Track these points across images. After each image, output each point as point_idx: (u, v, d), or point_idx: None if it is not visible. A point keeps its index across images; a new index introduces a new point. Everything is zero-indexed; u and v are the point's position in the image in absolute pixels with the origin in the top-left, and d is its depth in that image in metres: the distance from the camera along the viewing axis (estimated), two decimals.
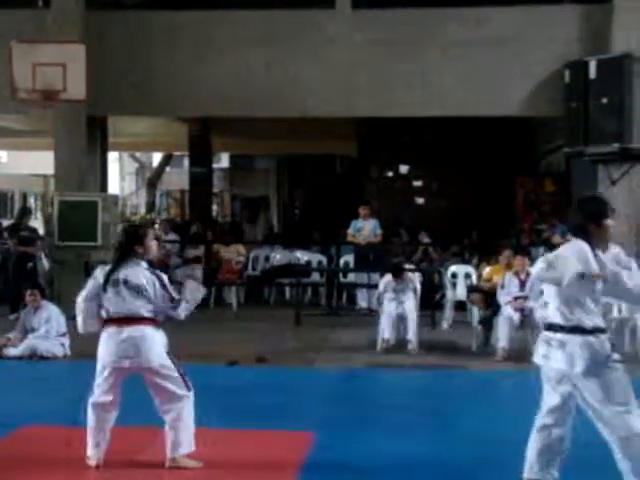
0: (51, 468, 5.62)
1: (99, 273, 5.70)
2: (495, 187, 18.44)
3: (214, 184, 24.39)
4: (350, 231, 14.12)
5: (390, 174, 20.14)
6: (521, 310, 9.56)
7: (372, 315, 12.53)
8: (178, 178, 31.68)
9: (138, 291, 5.54)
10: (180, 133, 20.12)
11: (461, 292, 12.39)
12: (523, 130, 17.74)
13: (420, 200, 19.97)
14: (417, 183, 20.08)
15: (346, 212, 15.25)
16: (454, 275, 12.75)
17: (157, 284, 5.60)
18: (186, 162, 25.46)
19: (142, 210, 34.38)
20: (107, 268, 5.69)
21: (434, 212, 18.89)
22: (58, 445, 6.13)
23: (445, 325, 12.19)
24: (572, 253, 4.72)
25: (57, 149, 13.77)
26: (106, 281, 5.57)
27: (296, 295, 13.38)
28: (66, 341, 9.72)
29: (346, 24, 13.60)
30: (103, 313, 5.65)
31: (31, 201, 34.95)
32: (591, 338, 4.64)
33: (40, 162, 27.53)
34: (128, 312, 5.57)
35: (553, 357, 4.72)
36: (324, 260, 15.06)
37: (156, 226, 18.24)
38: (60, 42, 12.68)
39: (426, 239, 15.76)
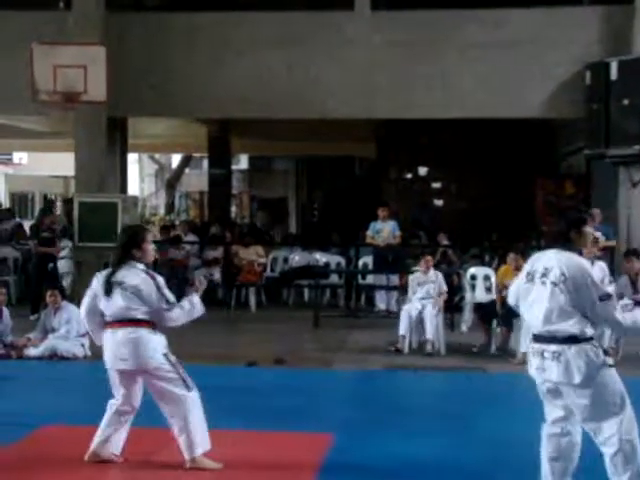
0: (71, 468, 5.65)
1: (96, 281, 5.72)
2: (515, 189, 18.38)
3: (233, 185, 24.45)
4: (369, 233, 14.11)
5: (409, 176, 20.12)
6: None
7: (391, 317, 12.52)
8: (197, 179, 31.78)
9: (134, 293, 5.53)
10: (199, 134, 20.19)
11: (480, 294, 12.36)
12: (543, 132, 17.68)
13: (439, 202, 19.94)
14: (436, 185, 20.06)
15: (365, 214, 15.25)
16: (473, 277, 12.71)
17: (153, 286, 5.58)
18: (205, 164, 25.53)
19: (161, 211, 34.50)
20: (105, 273, 5.70)
21: (453, 214, 18.86)
22: (78, 445, 6.15)
23: (464, 327, 12.15)
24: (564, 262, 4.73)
25: (77, 150, 13.86)
26: (105, 285, 5.59)
27: (315, 297, 13.39)
28: (86, 342, 9.75)
29: (365, 25, 13.61)
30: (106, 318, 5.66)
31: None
32: (586, 346, 4.63)
33: (60, 164, 27.71)
34: (124, 314, 5.56)
35: (548, 369, 4.69)
36: (343, 262, 15.06)
37: (167, 228, 18.31)
38: (81, 44, 12.75)
39: (445, 241, 15.73)
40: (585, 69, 12.77)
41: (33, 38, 12.65)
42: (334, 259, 15.18)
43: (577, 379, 4.57)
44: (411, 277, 11.01)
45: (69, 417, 7.01)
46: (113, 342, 5.59)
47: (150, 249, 5.76)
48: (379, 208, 14.36)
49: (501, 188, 18.51)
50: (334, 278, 14.71)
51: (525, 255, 10.39)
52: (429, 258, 11.07)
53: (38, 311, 11.39)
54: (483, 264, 13.98)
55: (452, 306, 12.29)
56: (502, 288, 10.24)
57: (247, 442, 6.29)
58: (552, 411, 4.79)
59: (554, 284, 4.65)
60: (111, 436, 5.68)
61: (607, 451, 4.63)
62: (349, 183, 25.62)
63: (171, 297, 5.63)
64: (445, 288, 10.85)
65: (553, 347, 4.64)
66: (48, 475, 5.52)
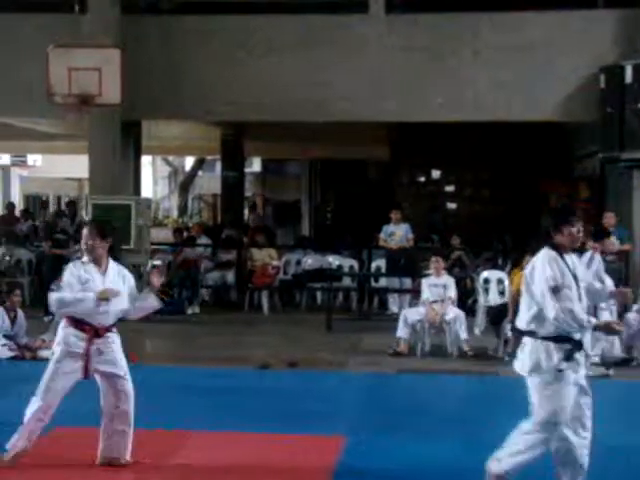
0: (84, 469, 5.68)
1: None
2: (528, 192, 18.34)
3: (246, 188, 24.47)
4: (382, 236, 14.11)
5: (422, 179, 20.11)
6: None
7: None
8: (210, 182, 31.82)
9: None
10: (213, 137, 20.21)
11: (493, 298, 12.33)
12: (557, 135, 17.63)
13: (452, 205, 19.91)
14: (449, 188, 20.04)
15: (378, 217, 15.25)
16: (486, 281, 12.68)
17: None
18: (218, 166, 25.57)
19: (174, 214, 34.59)
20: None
21: (466, 217, 18.83)
22: (92, 447, 6.19)
23: (477, 331, 12.13)
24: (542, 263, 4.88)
25: (92, 153, 13.89)
26: None
27: (327, 299, 13.39)
28: None
29: (379, 28, 13.60)
30: None
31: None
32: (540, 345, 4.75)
33: (74, 166, 27.79)
34: None
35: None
36: (356, 265, 15.05)
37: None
38: (96, 47, 12.77)
39: (458, 244, 15.71)
40: (599, 72, 12.73)
41: (49, 41, 12.68)
42: (347, 262, 15.18)
43: (525, 371, 4.75)
44: (424, 280, 11.00)
45: (82, 419, 7.02)
46: None
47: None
48: (392, 211, 14.36)
49: (515, 191, 18.48)
50: (347, 281, 14.72)
51: None
52: (438, 259, 11.05)
53: (52, 313, 11.42)
54: (496, 267, 13.94)
55: (465, 309, 12.27)
56: (516, 292, 10.23)
57: (260, 444, 6.29)
58: None
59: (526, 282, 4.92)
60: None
61: None
62: (362, 186, 25.62)
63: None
64: (454, 294, 10.83)
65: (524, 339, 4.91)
66: (62, 475, 5.54)
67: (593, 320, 4.85)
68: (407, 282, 13.79)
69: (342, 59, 13.61)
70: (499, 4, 13.41)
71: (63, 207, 26.34)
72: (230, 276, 14.92)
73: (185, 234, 16.95)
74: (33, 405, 5.63)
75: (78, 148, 17.65)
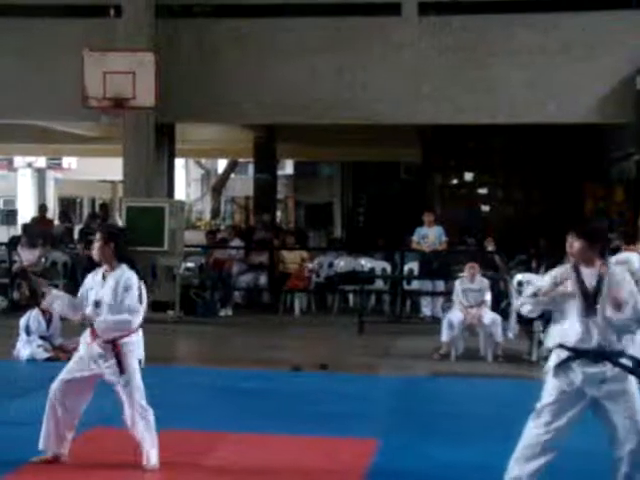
0: (119, 469, 5.72)
1: None
2: (563, 194, 18.21)
3: (278, 191, 24.55)
4: (415, 238, 14.08)
5: (455, 181, 20.04)
6: None
7: (436, 323, 12.47)
8: (243, 185, 31.95)
9: None
10: (245, 140, 20.31)
11: None
12: (593, 137, 17.50)
13: (485, 207, 19.82)
14: (482, 190, 19.95)
15: (410, 219, 15.22)
16: (520, 284, 12.59)
17: None
18: (251, 169, 25.69)
19: (207, 216, 34.75)
20: None
21: (500, 219, 18.74)
22: (125, 447, 6.23)
23: (510, 334, 12.05)
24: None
25: (126, 155, 14.01)
26: None
27: (360, 302, 13.38)
28: None
29: (413, 31, 13.59)
30: None
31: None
32: None
33: (108, 168, 28.05)
34: None
35: None
36: (388, 267, 15.03)
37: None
38: (130, 50, 12.90)
39: (491, 247, 15.62)
40: (636, 73, 12.61)
41: (84, 45, 12.83)
42: (379, 264, 15.16)
43: None
44: (457, 283, 10.96)
45: (116, 420, 7.08)
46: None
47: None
48: (425, 213, 14.34)
49: (549, 194, 18.36)
50: (379, 284, 14.70)
51: None
52: (474, 265, 11.01)
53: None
54: (530, 270, 13.85)
55: (498, 313, 12.20)
56: None
57: (292, 447, 6.30)
58: None
59: None
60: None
61: None
62: (394, 188, 25.59)
63: None
64: (488, 298, 10.77)
65: None
66: (97, 474, 5.59)
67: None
68: (440, 285, 13.74)
69: (375, 62, 13.62)
70: (533, 5, 13.34)
71: (97, 209, 26.57)
72: (262, 278, 14.97)
73: (219, 236, 17.02)
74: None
75: (112, 151, 17.82)
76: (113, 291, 5.68)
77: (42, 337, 9.85)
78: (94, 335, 5.69)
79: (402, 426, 7.04)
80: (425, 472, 5.76)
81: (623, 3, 13.44)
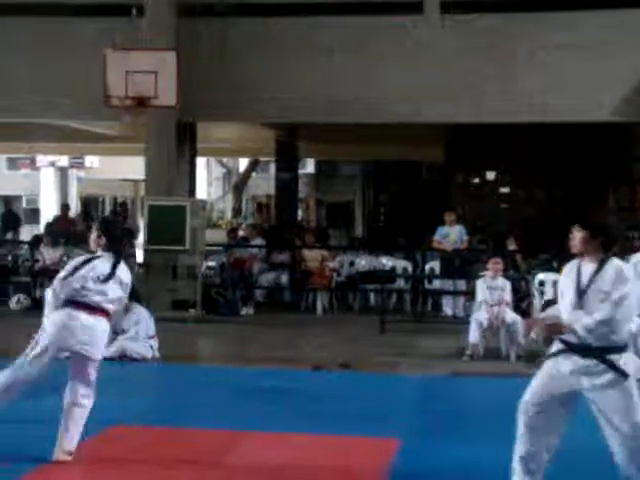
0: (139, 466, 5.72)
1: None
2: (586, 193, 18.09)
3: (299, 189, 24.57)
4: (436, 237, 14.06)
5: (477, 180, 19.97)
6: None
7: (457, 323, 12.44)
8: (264, 183, 32.03)
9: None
10: (267, 139, 20.32)
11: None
12: (615, 135, 17.37)
13: (507, 207, 19.74)
14: (504, 190, 19.86)
15: (432, 218, 15.18)
16: (542, 283, 12.54)
17: None
18: (272, 168, 25.71)
19: (228, 215, 34.83)
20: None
21: (522, 219, 18.65)
22: (147, 445, 6.27)
23: (533, 335, 11.98)
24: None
25: (147, 154, 14.06)
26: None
27: (381, 301, 13.37)
28: (155, 343, 9.89)
29: (434, 29, 13.54)
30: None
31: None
32: None
33: (130, 167, 28.19)
34: None
35: None
36: (409, 266, 15.00)
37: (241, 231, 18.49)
38: (152, 49, 12.94)
39: (513, 246, 15.56)
40: None
41: (106, 45, 12.88)
42: (400, 263, 15.14)
43: None
44: (479, 282, 10.92)
45: (137, 417, 7.12)
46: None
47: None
48: (446, 213, 14.30)
49: (572, 193, 18.24)
50: (400, 283, 14.67)
51: None
52: (498, 260, 10.94)
53: None
54: (552, 270, 13.78)
55: (520, 312, 12.15)
56: None
57: (313, 446, 6.30)
58: None
59: None
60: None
61: None
62: (416, 187, 25.53)
63: None
64: (509, 298, 10.72)
65: None
66: (118, 473, 5.61)
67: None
68: (461, 284, 13.70)
69: (397, 60, 13.59)
70: (555, 4, 13.26)
71: (118, 208, 26.71)
72: (284, 277, 14.98)
73: (241, 233, 17.05)
74: None
75: (134, 150, 17.91)
76: None
77: None
78: None
79: (423, 426, 7.02)
80: (446, 472, 5.73)
81: None
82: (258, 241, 16.05)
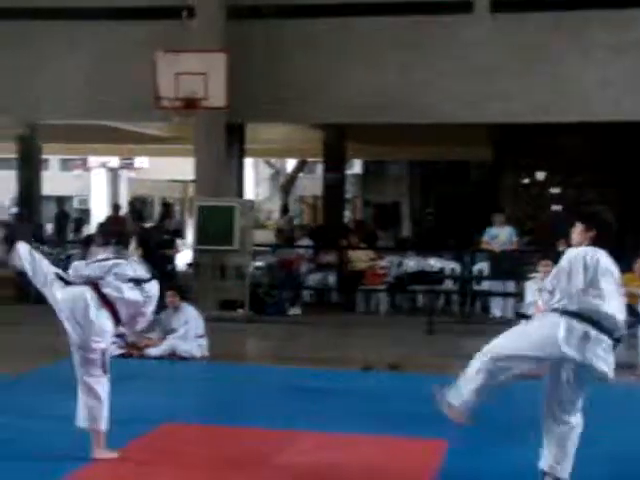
0: (190, 464, 5.75)
1: None
2: (637, 193, 17.82)
3: (346, 190, 24.54)
4: (485, 238, 13.95)
5: (526, 180, 19.78)
6: None
7: (506, 324, 12.30)
8: (311, 184, 32.06)
9: None
10: (314, 140, 20.34)
11: None
12: None
13: (557, 207, 19.53)
14: (554, 190, 19.65)
15: (480, 219, 15.07)
16: None
17: None
18: (319, 168, 25.71)
19: (276, 215, 34.91)
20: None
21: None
22: (197, 443, 6.30)
23: None
24: None
25: (197, 155, 14.15)
26: None
27: (429, 302, 13.30)
28: (204, 342, 9.95)
29: (484, 28, 13.44)
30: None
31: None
32: None
33: (179, 168, 28.40)
34: None
35: None
36: (458, 267, 14.91)
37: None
38: (202, 51, 13.01)
39: (563, 247, 15.36)
40: None
41: (157, 47, 12.98)
42: (449, 265, 15.05)
43: None
44: (528, 283, 10.80)
45: (187, 415, 7.17)
46: None
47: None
48: (495, 214, 14.19)
49: (624, 193, 17.97)
50: (448, 284, 14.59)
51: None
52: (548, 262, 10.81)
53: (158, 311, 11.63)
54: None
55: None
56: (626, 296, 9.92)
57: (362, 445, 6.29)
58: None
59: None
60: None
61: None
62: (464, 188, 25.37)
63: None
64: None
65: None
66: (168, 472, 5.64)
67: None
68: (510, 285, 13.57)
69: (444, 60, 13.51)
70: (608, 2, 13.08)
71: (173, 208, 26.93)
72: (331, 277, 14.98)
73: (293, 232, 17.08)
74: None
75: (183, 151, 18.05)
76: None
77: (116, 334, 9.99)
78: None
79: (472, 427, 6.95)
80: (495, 474, 5.68)
81: None
82: (305, 241, 16.08)
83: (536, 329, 5.13)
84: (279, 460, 5.92)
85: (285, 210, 31.04)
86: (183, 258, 15.75)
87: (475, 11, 13.52)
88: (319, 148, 20.98)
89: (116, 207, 21.03)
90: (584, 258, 4.91)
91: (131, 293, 5.72)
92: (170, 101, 12.81)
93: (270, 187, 39.55)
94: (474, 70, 13.36)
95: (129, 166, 35.77)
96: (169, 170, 33.85)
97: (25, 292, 13.15)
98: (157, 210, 36.63)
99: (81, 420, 5.63)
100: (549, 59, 13.17)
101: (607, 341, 4.88)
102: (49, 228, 21.52)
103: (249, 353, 11.56)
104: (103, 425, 5.63)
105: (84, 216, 33.62)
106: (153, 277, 5.83)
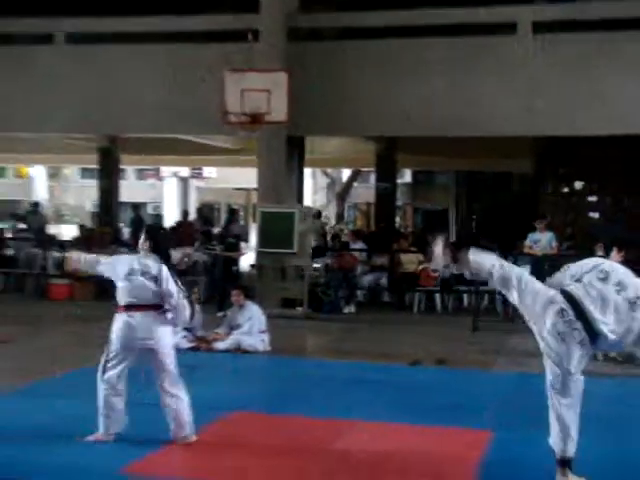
0: (254, 450, 5.78)
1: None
2: None
3: (397, 198, 24.46)
4: (527, 243, 13.81)
5: (565, 189, 19.51)
6: None
7: None
8: (365, 192, 32.01)
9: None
10: (367, 151, 20.32)
11: None
12: None
13: (595, 214, 19.22)
14: (591, 198, 19.35)
15: (522, 226, 14.90)
16: None
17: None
18: (372, 177, 25.66)
19: (332, 221, 34.93)
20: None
21: (609, 226, 18.12)
22: (260, 430, 6.33)
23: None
24: None
25: (260, 166, 14.24)
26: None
27: (475, 302, 13.19)
28: (266, 337, 10.00)
29: (526, 48, 13.32)
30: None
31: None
32: None
33: (244, 177, 28.58)
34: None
35: None
36: None
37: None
38: (265, 71, 13.10)
39: (601, 252, 15.11)
40: None
41: (225, 67, 13.11)
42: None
43: None
44: None
45: (252, 405, 7.21)
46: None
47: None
48: (537, 220, 14.04)
49: None
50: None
51: None
52: None
53: (224, 309, 11.75)
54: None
55: None
56: None
57: (410, 435, 6.27)
58: None
59: None
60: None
61: None
62: (507, 196, 25.12)
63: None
64: None
65: None
66: (234, 456, 5.68)
67: None
68: None
69: (489, 78, 13.43)
70: None
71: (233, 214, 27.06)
72: (383, 279, 14.95)
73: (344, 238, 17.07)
74: None
75: (248, 161, 18.15)
76: None
77: (186, 328, 10.08)
78: None
79: (516, 419, 6.88)
80: (538, 463, 5.60)
81: None
82: (359, 245, 16.05)
83: None
84: (336, 446, 5.93)
85: (341, 216, 31.08)
86: (247, 260, 15.85)
87: (518, 32, 13.41)
88: (372, 159, 20.95)
89: (185, 213, 21.25)
90: None
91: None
92: (236, 116, 12.92)
93: (327, 195, 39.57)
94: (518, 86, 13.25)
95: (198, 175, 36.06)
96: (235, 179, 34.06)
97: (104, 290, 13.34)
98: (223, 216, 36.92)
99: None
100: (588, 76, 12.99)
101: None
102: (126, 232, 21.79)
103: (307, 348, 11.58)
104: None
105: (158, 221, 34.05)
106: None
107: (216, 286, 14.04)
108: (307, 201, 24.77)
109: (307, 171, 25.69)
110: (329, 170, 35.77)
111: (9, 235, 18.51)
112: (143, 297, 5.72)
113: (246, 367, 9.22)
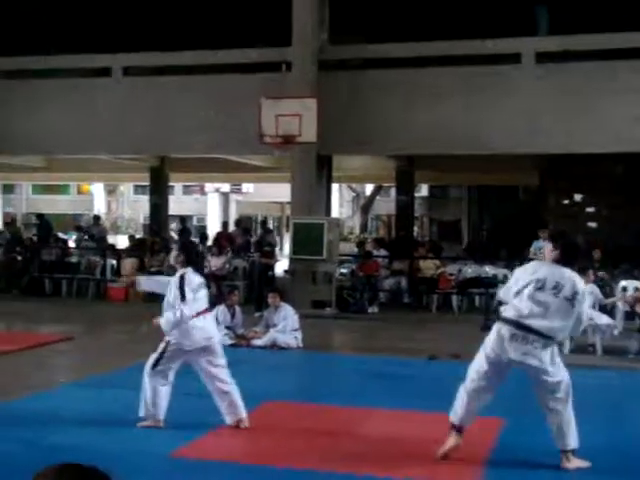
0: (289, 434, 5.80)
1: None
2: None
3: (415, 210, 24.41)
4: (532, 249, 13.73)
5: (566, 201, 19.34)
6: None
7: None
8: (386, 205, 32.00)
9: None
10: (388, 168, 20.30)
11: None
12: None
13: (592, 224, 19.03)
14: (589, 209, 19.17)
15: (527, 234, 14.81)
16: (624, 289, 12.02)
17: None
18: (393, 192, 25.65)
19: (356, 231, 34.92)
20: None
21: (606, 234, 17.95)
22: (294, 417, 6.35)
23: (615, 332, 11.49)
24: None
25: (293, 181, 14.27)
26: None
27: (485, 303, 13.11)
28: (299, 335, 10.00)
29: (530, 76, 13.27)
30: None
31: (270, 222, 36.49)
32: None
33: (278, 192, 28.67)
34: None
35: None
36: (509, 274, 14.64)
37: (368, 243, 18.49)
38: (297, 97, 13.15)
39: (598, 255, 14.99)
40: None
41: (261, 94, 13.19)
42: (501, 271, 14.80)
43: None
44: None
45: (286, 395, 7.23)
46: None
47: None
48: (540, 229, 13.96)
49: None
50: (501, 287, 14.33)
51: None
52: (589, 272, 10.54)
53: (261, 309, 11.78)
54: (633, 277, 13.19)
55: (606, 314, 11.66)
56: None
57: (428, 421, 6.24)
58: None
59: None
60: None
61: None
62: (514, 207, 24.95)
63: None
64: (601, 296, 10.34)
65: None
66: (271, 440, 5.70)
67: None
68: None
69: (498, 102, 13.39)
70: (635, 51, 12.78)
71: (269, 225, 27.17)
72: (403, 282, 14.91)
73: (369, 244, 17.04)
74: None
75: (281, 178, 18.20)
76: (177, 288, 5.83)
77: (227, 327, 10.14)
78: None
79: (527, 408, 6.81)
80: (546, 448, 5.55)
81: None
82: (381, 252, 16.02)
83: None
84: (361, 431, 5.93)
85: (364, 226, 31.08)
86: (281, 266, 15.89)
87: (523, 61, 13.36)
88: (392, 175, 20.93)
89: (225, 224, 21.33)
90: None
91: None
92: (272, 138, 12.98)
93: (352, 207, 39.58)
94: (523, 109, 13.18)
95: (238, 190, 36.28)
96: (270, 193, 34.21)
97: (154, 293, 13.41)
98: (258, 225, 37.00)
99: None
100: (585, 100, 12.91)
101: None
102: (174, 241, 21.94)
103: (336, 344, 11.59)
104: None
105: (202, 231, 34.27)
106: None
107: (254, 289, 14.09)
108: (334, 213, 24.78)
109: (334, 186, 25.73)
110: (354, 185, 35.81)
111: (72, 244, 18.70)
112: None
113: (281, 362, 9.23)
